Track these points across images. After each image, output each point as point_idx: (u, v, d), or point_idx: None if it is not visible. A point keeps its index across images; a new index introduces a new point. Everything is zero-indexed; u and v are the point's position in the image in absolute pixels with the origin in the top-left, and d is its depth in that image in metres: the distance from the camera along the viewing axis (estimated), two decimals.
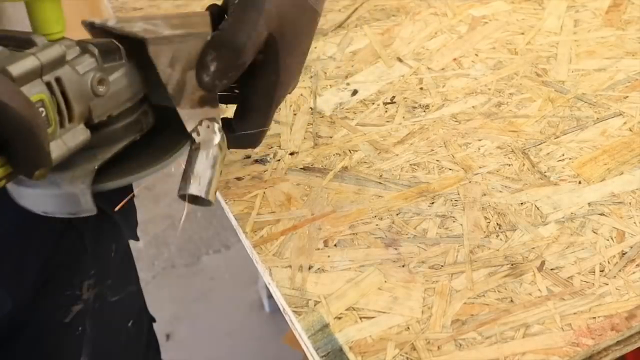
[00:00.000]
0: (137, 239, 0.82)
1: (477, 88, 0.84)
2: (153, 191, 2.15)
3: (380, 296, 0.63)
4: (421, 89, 0.84)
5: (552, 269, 0.65)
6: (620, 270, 0.64)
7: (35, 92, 0.51)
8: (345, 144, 0.77)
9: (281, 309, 0.64)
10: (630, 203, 0.70)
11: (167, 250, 2.07)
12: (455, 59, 0.88)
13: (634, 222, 0.68)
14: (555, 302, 0.62)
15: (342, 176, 0.74)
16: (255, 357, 1.83)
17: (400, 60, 0.88)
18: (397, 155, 0.76)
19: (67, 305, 0.70)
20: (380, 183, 0.73)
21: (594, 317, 0.61)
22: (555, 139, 0.77)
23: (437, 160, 0.75)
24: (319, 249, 0.67)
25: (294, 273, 0.65)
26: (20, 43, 0.53)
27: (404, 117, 0.80)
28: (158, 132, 0.62)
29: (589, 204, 0.70)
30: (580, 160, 0.75)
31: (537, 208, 0.70)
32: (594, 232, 0.68)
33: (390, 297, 0.63)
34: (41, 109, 0.51)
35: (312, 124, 0.79)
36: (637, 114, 0.80)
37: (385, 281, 0.64)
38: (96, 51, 0.56)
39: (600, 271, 0.64)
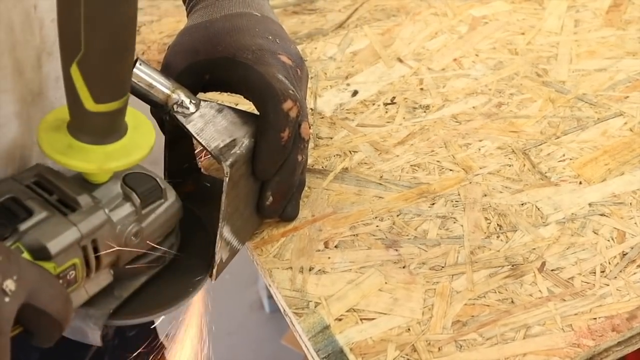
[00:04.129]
0: None
1: (478, 88, 0.84)
2: None
3: (380, 297, 0.63)
4: (421, 89, 0.84)
5: (552, 270, 0.65)
6: (621, 271, 0.64)
7: (69, 257, 0.51)
8: (346, 144, 0.77)
9: (282, 311, 0.64)
10: (630, 203, 0.70)
11: None
12: (455, 59, 0.88)
13: (635, 223, 0.68)
14: (556, 303, 0.62)
15: (343, 177, 0.74)
16: (255, 357, 1.82)
17: (400, 60, 0.88)
18: (397, 156, 0.76)
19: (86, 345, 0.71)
20: (380, 184, 0.73)
21: (595, 318, 0.61)
22: (555, 139, 0.77)
23: (438, 161, 0.75)
24: (319, 251, 0.67)
25: (295, 274, 0.65)
26: (65, 199, 0.53)
27: (404, 118, 0.80)
28: (177, 262, 0.62)
29: (589, 204, 0.70)
30: (580, 161, 0.75)
31: (538, 209, 0.70)
32: (595, 233, 0.68)
33: (391, 298, 0.63)
34: (71, 272, 0.52)
35: (312, 125, 0.79)
36: (638, 114, 0.80)
37: (386, 282, 0.64)
38: (137, 202, 0.55)
39: (601, 272, 0.64)
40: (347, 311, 0.62)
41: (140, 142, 0.54)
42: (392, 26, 0.93)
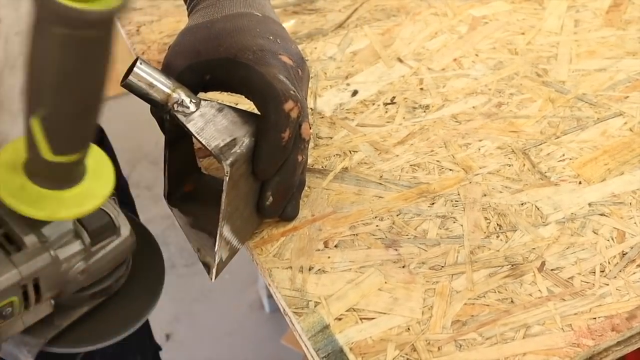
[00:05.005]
0: None
1: (478, 88, 0.84)
2: (153, 191, 2.15)
3: (380, 297, 0.63)
4: (421, 89, 0.84)
5: (552, 270, 0.65)
6: (620, 271, 0.64)
7: (7, 296, 0.50)
8: (346, 144, 0.77)
9: (281, 310, 0.64)
10: (630, 203, 0.70)
11: (167, 250, 2.07)
12: (455, 59, 0.88)
13: (635, 223, 0.68)
14: (555, 303, 0.62)
15: (343, 177, 0.74)
16: (255, 357, 1.83)
17: (400, 60, 0.88)
18: (397, 155, 0.76)
19: None
20: (380, 184, 0.73)
21: (595, 318, 0.61)
22: (555, 139, 0.77)
23: (438, 161, 0.75)
24: (319, 250, 0.67)
25: (294, 274, 0.65)
26: (12, 235, 0.51)
27: (404, 118, 0.80)
28: (123, 291, 0.60)
29: (589, 204, 0.70)
30: (580, 161, 0.75)
31: (538, 208, 0.70)
32: (595, 233, 0.68)
33: (391, 298, 0.63)
34: (8, 309, 0.50)
35: (312, 125, 0.79)
36: (638, 114, 0.80)
37: (386, 282, 0.64)
38: (87, 240, 0.53)
39: (601, 272, 0.64)
40: (347, 311, 0.62)
41: (97, 190, 0.51)
42: (392, 26, 0.93)
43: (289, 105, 0.61)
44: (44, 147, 0.47)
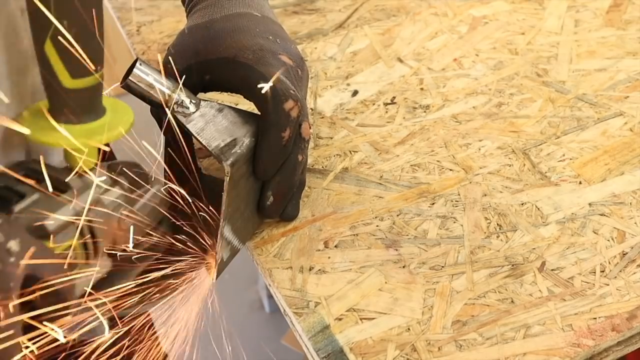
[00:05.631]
0: None
1: (478, 88, 0.84)
2: None
3: (380, 297, 0.63)
4: (422, 89, 0.84)
5: (552, 270, 0.65)
6: (620, 271, 0.64)
7: (67, 238, 0.52)
8: (346, 144, 0.77)
9: (282, 310, 0.64)
10: (630, 203, 0.70)
11: None
12: (455, 59, 0.88)
13: (635, 223, 0.68)
14: (555, 303, 0.62)
15: (343, 177, 0.74)
16: (255, 357, 1.83)
17: (400, 60, 0.88)
18: (397, 155, 0.76)
19: None
20: (380, 184, 0.73)
21: (595, 318, 0.61)
22: (555, 139, 0.77)
23: (438, 161, 0.75)
24: (319, 250, 0.67)
25: (295, 274, 0.65)
26: (55, 183, 0.53)
27: (404, 118, 0.80)
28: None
29: (589, 204, 0.70)
30: (580, 161, 0.75)
31: (538, 208, 0.70)
32: (595, 233, 0.68)
33: (391, 298, 0.63)
34: (70, 254, 0.52)
35: (312, 124, 0.79)
36: (638, 114, 0.80)
37: (386, 282, 0.64)
38: (125, 184, 0.57)
39: (601, 272, 0.64)
40: (347, 311, 0.62)
41: (121, 118, 0.57)
42: (392, 26, 0.93)
43: (289, 104, 0.62)
44: (61, 71, 0.52)
